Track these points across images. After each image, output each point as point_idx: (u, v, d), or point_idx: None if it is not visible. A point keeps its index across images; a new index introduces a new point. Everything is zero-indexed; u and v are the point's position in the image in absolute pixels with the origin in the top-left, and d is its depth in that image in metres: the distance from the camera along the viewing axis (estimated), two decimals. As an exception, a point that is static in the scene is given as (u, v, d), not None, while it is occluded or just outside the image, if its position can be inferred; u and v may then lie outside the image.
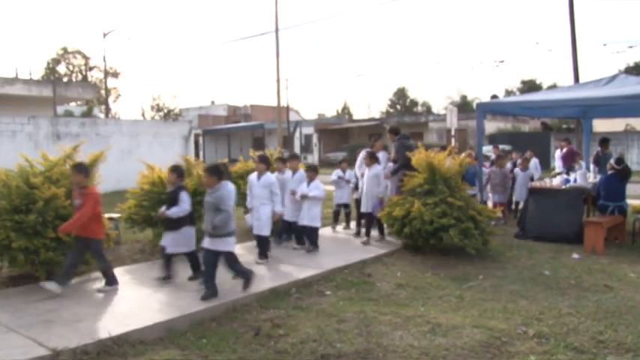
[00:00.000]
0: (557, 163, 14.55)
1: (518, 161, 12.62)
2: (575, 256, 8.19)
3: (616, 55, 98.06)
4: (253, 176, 7.72)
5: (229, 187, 6.03)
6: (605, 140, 12.54)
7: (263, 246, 7.68)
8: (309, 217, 8.33)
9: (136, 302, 5.77)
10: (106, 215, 7.82)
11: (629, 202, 9.95)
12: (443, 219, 7.83)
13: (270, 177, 7.62)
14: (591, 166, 12.71)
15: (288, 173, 8.74)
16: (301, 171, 8.77)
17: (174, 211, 6.41)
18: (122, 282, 6.43)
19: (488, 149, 17.96)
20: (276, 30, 27.96)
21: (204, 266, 6.04)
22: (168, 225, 6.58)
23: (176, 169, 6.74)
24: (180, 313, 5.36)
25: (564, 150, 14.16)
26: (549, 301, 5.94)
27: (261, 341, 4.81)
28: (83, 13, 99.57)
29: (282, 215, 7.96)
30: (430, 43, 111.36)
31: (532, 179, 11.89)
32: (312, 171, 8.55)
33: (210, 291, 5.87)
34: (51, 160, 6.99)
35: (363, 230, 9.32)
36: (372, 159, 8.98)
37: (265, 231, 7.59)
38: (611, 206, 9.25)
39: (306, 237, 8.49)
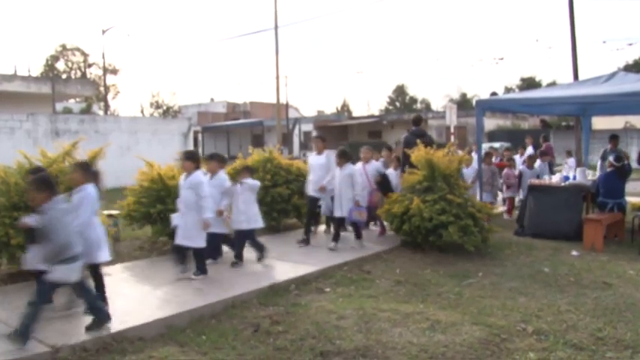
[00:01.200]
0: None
1: (520, 157, 12.67)
2: (575, 253, 8.20)
3: (615, 53, 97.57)
4: (184, 176, 6.74)
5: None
6: (614, 137, 12.55)
7: (197, 259, 6.62)
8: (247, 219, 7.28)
9: (135, 299, 5.77)
10: (105, 212, 7.83)
11: (629, 199, 9.96)
12: (442, 216, 7.83)
13: (198, 177, 6.53)
14: (598, 162, 12.73)
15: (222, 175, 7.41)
16: (221, 173, 7.30)
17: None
18: (121, 279, 6.44)
19: (488, 146, 18.01)
20: (276, 27, 27.94)
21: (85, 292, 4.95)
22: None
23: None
24: (180, 310, 5.36)
25: (543, 145, 14.41)
26: (548, 298, 5.94)
27: (261, 338, 4.82)
28: (82, 9, 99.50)
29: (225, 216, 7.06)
30: (429, 40, 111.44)
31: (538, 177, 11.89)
32: (246, 171, 7.53)
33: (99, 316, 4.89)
34: (50, 157, 6.99)
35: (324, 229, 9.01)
36: (344, 158, 8.29)
37: (197, 242, 6.49)
38: (610, 203, 9.26)
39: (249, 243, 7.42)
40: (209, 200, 6.47)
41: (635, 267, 7.35)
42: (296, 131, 40.41)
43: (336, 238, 8.37)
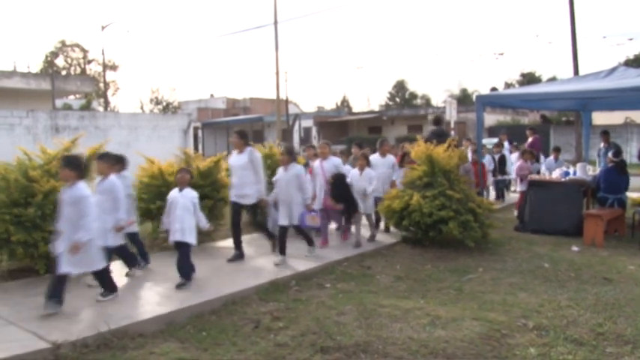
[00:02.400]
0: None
1: (514, 155, 12.61)
2: (575, 248, 8.20)
3: (616, 48, 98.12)
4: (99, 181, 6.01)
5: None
6: (605, 133, 12.57)
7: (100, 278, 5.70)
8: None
9: (135, 295, 5.77)
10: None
11: (629, 194, 9.96)
12: (442, 211, 7.83)
13: (112, 181, 5.92)
14: (597, 159, 12.74)
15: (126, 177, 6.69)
16: (112, 177, 6.04)
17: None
18: (122, 275, 6.43)
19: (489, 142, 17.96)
20: (275, 22, 27.89)
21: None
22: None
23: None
24: (180, 306, 5.36)
25: (530, 140, 14.21)
26: (549, 294, 5.95)
27: (261, 334, 4.82)
28: (81, 5, 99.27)
29: (125, 226, 6.10)
30: (429, 35, 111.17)
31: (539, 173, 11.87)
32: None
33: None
34: (50, 154, 6.97)
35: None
36: (289, 156, 7.20)
37: (95, 265, 5.44)
38: (611, 199, 9.25)
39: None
40: (123, 201, 5.91)
41: (635, 262, 7.36)
42: (296, 127, 40.40)
43: (281, 250, 7.19)
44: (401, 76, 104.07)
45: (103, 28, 38.57)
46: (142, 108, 52.52)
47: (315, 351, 4.45)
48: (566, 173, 10.30)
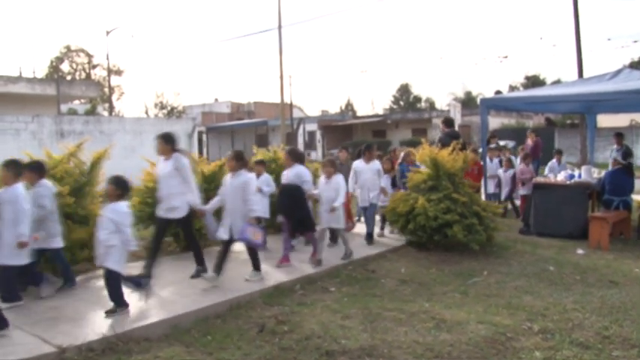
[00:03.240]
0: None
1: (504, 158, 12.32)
2: (580, 251, 8.17)
3: (620, 50, 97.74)
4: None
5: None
6: (618, 135, 12.52)
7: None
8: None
9: (141, 299, 5.77)
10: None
11: (634, 197, 9.92)
12: (447, 215, 7.82)
13: (14, 191, 5.35)
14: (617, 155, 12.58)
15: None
16: (18, 186, 5.42)
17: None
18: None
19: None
20: (279, 27, 27.94)
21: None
22: None
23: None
24: (185, 310, 5.37)
25: (532, 142, 14.06)
26: (554, 297, 5.93)
27: (266, 338, 4.82)
28: (86, 11, 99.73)
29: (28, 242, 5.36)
30: (433, 39, 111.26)
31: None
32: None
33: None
34: (55, 158, 7.00)
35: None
36: (237, 162, 6.45)
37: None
38: (616, 201, 9.22)
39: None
40: (26, 213, 5.38)
41: (641, 265, 7.33)
42: (300, 131, 40.43)
43: (217, 267, 6.31)
44: (405, 79, 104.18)
45: (107, 33, 38.73)
46: (146, 112, 52.74)
47: (320, 355, 4.44)
48: (571, 176, 10.27)
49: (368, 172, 8.66)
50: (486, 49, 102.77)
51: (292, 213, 7.21)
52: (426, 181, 8.35)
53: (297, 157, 7.62)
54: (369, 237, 8.69)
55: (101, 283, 6.39)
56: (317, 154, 40.65)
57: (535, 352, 4.44)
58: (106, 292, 5.38)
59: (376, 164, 8.82)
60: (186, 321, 5.20)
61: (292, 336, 4.82)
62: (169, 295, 5.92)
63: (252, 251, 6.53)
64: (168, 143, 6.47)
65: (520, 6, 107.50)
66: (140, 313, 5.31)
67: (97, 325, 4.97)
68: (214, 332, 4.98)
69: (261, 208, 7.30)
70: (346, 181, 8.02)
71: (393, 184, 9.60)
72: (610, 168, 11.14)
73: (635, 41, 44.78)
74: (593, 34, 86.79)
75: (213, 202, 6.55)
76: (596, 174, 10.58)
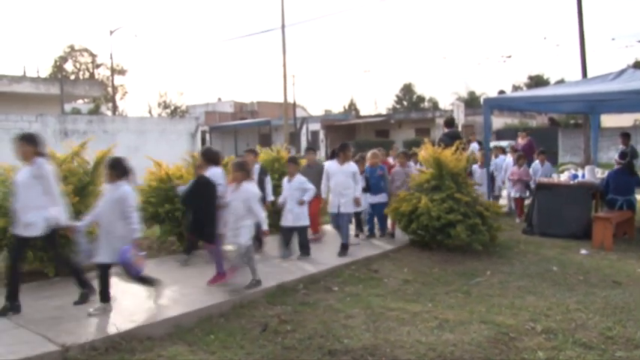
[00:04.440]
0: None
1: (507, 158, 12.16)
2: (583, 251, 8.16)
3: (624, 50, 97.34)
4: None
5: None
6: (624, 135, 12.49)
7: None
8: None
9: (143, 298, 5.78)
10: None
11: (638, 197, 9.90)
12: (450, 215, 7.82)
13: None
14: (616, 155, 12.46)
15: None
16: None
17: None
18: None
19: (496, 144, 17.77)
20: (283, 26, 27.96)
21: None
22: None
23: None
24: (188, 309, 5.38)
25: (524, 142, 13.67)
26: (557, 297, 5.92)
27: (269, 337, 4.82)
28: (90, 10, 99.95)
29: None
30: (437, 38, 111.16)
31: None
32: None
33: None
34: (59, 158, 7.02)
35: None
36: (114, 171, 5.33)
37: None
38: (620, 200, 9.20)
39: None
40: None
41: (644, 265, 7.31)
42: (303, 130, 40.44)
43: (102, 296, 5.35)
44: (408, 79, 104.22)
45: (111, 32, 38.83)
46: (150, 112, 52.70)
47: (323, 354, 4.45)
48: (575, 176, 10.25)
49: (341, 174, 7.80)
50: (490, 48, 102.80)
51: (198, 220, 6.35)
52: (429, 181, 8.34)
53: (211, 159, 6.75)
54: (344, 248, 7.81)
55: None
56: (320, 154, 40.69)
57: (538, 352, 4.43)
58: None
59: (351, 166, 7.91)
60: (189, 320, 5.21)
61: (295, 335, 4.83)
62: (172, 294, 5.93)
63: (106, 279, 5.35)
64: (30, 144, 5.39)
65: (524, 5, 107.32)
66: (143, 312, 5.32)
67: (101, 324, 4.99)
68: (217, 331, 4.98)
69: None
70: (316, 184, 7.80)
71: (367, 189, 8.99)
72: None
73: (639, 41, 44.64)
74: (597, 33, 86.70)
75: (88, 218, 5.47)
76: (600, 174, 10.57)
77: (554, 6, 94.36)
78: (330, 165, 8.01)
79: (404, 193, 8.66)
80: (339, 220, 7.84)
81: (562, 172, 11.59)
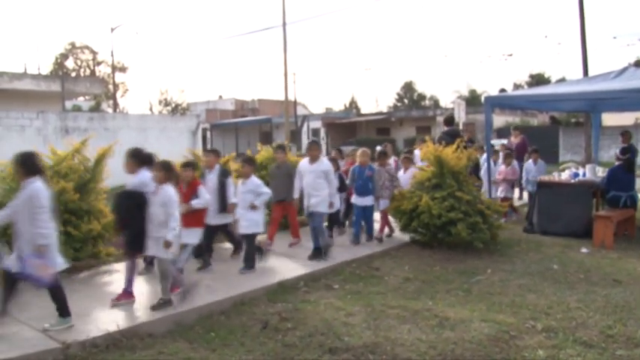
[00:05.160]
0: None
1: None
2: (584, 250, 8.15)
3: (626, 48, 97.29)
4: None
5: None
6: (624, 133, 12.48)
7: None
8: None
9: (144, 296, 5.79)
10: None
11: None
12: (451, 213, 7.82)
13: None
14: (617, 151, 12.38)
15: None
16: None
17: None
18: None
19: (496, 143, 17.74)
20: (284, 24, 27.94)
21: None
22: None
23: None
24: (189, 307, 5.38)
25: (517, 140, 13.45)
26: (558, 296, 5.92)
27: (269, 335, 4.83)
28: (91, 8, 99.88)
29: None
30: (438, 36, 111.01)
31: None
32: None
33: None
34: (59, 155, 7.04)
35: None
36: (25, 168, 4.74)
37: None
38: (624, 196, 9.18)
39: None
40: None
41: (645, 264, 7.31)
42: (304, 128, 40.43)
43: (62, 309, 4.85)
44: (409, 77, 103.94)
45: (112, 29, 38.94)
46: (150, 109, 52.72)
47: (324, 352, 4.45)
48: (576, 174, 10.24)
49: (310, 174, 7.40)
50: (491, 47, 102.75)
51: (127, 225, 5.60)
52: (430, 179, 8.34)
53: (143, 160, 5.95)
54: (317, 252, 7.40)
55: (105, 279, 6.45)
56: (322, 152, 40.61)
57: (538, 351, 4.43)
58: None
59: (323, 165, 7.49)
60: (190, 317, 5.22)
61: (296, 333, 4.84)
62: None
63: (54, 292, 4.81)
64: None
65: (525, 4, 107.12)
66: (144, 310, 5.33)
67: (101, 321, 4.99)
68: (218, 329, 4.99)
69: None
70: (285, 186, 7.75)
71: (342, 188, 8.69)
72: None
73: (641, 39, 44.59)
74: (598, 32, 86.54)
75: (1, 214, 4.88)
76: (601, 172, 10.56)
77: (555, 4, 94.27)
78: (302, 164, 7.66)
79: (405, 191, 8.63)
80: (311, 223, 7.47)
81: (563, 170, 11.57)
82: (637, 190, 9.59)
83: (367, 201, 8.39)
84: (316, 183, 7.35)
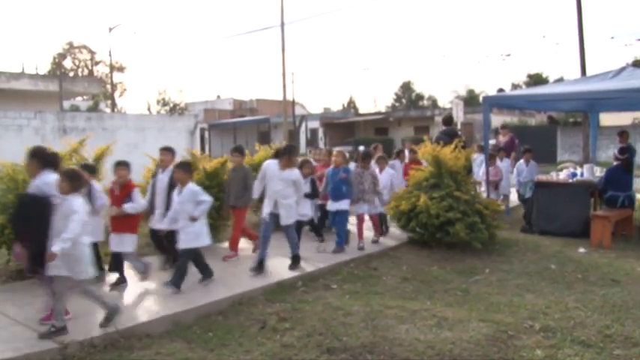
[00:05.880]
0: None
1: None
2: (582, 250, 8.16)
3: (624, 48, 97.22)
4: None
5: None
6: (622, 132, 12.48)
7: None
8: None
9: (142, 295, 5.79)
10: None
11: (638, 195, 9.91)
12: (449, 213, 7.82)
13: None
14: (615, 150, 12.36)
15: None
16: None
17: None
18: (128, 276, 6.44)
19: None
20: (282, 24, 27.94)
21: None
22: None
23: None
24: (187, 307, 5.38)
25: (506, 138, 13.08)
26: (556, 295, 5.92)
27: (267, 334, 4.83)
28: (89, 7, 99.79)
29: None
30: (436, 36, 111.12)
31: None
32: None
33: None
34: (58, 155, 7.00)
35: None
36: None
37: None
38: (622, 196, 9.19)
39: None
40: None
41: (643, 264, 7.32)
42: (302, 128, 40.43)
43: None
44: (407, 77, 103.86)
45: (110, 29, 38.87)
46: (149, 109, 52.63)
47: (322, 352, 4.45)
48: (574, 174, 10.25)
49: (279, 181, 6.79)
50: (489, 47, 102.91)
51: (28, 238, 4.78)
52: (428, 179, 8.34)
53: (48, 161, 5.19)
54: (295, 260, 7.00)
55: (104, 279, 6.42)
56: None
57: (536, 351, 4.44)
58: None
59: (293, 174, 6.89)
60: (187, 317, 5.21)
61: (294, 333, 4.83)
62: (171, 292, 5.92)
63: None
64: None
65: (523, 4, 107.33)
66: (142, 310, 5.32)
67: (99, 321, 4.97)
68: (216, 329, 4.99)
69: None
70: (240, 190, 7.35)
71: (313, 195, 8.35)
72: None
73: (639, 39, 44.69)
74: (596, 32, 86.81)
75: None
76: (599, 172, 10.57)
77: (553, 4, 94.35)
78: (270, 166, 6.92)
79: (403, 191, 8.63)
80: (286, 232, 6.98)
81: (561, 170, 11.58)
82: (635, 190, 9.62)
83: (341, 205, 7.81)
84: (286, 191, 6.80)
